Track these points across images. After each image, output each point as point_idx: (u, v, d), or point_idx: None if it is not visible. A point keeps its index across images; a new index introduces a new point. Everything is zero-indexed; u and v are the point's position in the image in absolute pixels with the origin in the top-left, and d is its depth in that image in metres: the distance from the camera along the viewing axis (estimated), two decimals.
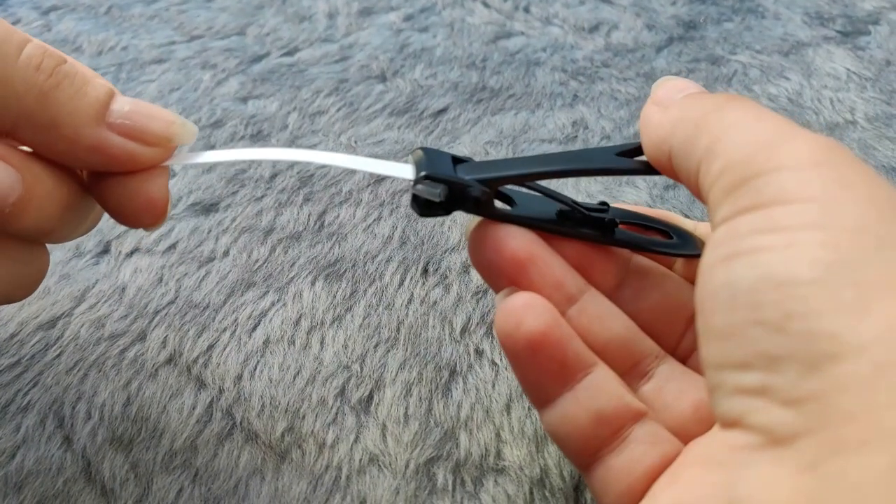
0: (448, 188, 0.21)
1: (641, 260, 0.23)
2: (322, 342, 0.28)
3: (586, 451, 0.20)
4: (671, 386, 0.21)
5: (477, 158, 0.36)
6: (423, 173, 0.20)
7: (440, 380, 0.27)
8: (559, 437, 0.21)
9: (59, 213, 0.20)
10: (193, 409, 0.26)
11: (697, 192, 0.19)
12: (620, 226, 0.23)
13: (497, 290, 0.21)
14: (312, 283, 0.30)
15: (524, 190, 0.22)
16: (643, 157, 0.22)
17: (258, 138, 0.37)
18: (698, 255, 0.17)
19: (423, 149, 0.22)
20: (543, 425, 0.21)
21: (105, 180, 0.20)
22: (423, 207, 0.21)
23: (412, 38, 0.43)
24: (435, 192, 0.21)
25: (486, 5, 0.46)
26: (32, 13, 0.44)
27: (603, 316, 0.21)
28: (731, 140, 0.17)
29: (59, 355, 0.27)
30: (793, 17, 0.45)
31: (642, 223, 0.24)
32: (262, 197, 0.33)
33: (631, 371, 0.22)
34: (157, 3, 0.45)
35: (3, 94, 0.18)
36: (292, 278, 0.30)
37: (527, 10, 0.46)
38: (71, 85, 0.19)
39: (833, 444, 0.13)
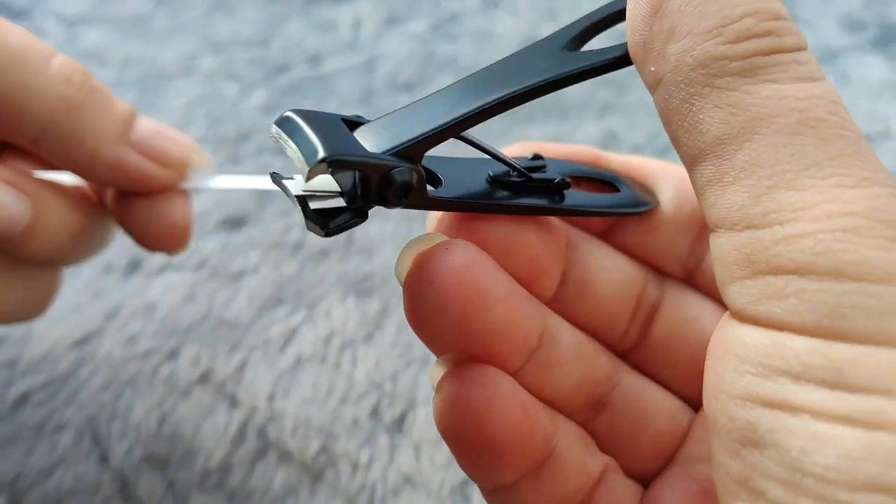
0: (362, 176, 0.13)
1: (575, 235, 0.18)
2: (354, 360, 0.28)
3: None
4: (625, 419, 0.19)
5: None
6: (320, 156, 0.12)
7: None
8: None
9: (71, 240, 0.20)
10: (227, 427, 0.26)
11: None
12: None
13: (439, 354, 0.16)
14: (343, 300, 0.30)
15: (435, 154, 0.15)
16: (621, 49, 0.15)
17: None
18: (653, 207, 0.17)
19: (295, 111, 0.14)
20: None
21: (129, 205, 0.20)
22: (324, 219, 0.14)
23: (438, 48, 0.43)
24: (339, 191, 0.13)
25: (512, 14, 0.46)
26: (58, 26, 0.44)
27: (562, 361, 0.18)
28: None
29: (93, 373, 0.28)
30: (825, 25, 0.45)
31: (582, 175, 0.19)
32: (290, 212, 0.33)
33: (587, 405, 0.18)
34: (181, 14, 0.45)
35: (32, 105, 0.18)
36: (322, 295, 0.30)
37: (553, 18, 0.45)
38: (99, 100, 0.19)
39: None
